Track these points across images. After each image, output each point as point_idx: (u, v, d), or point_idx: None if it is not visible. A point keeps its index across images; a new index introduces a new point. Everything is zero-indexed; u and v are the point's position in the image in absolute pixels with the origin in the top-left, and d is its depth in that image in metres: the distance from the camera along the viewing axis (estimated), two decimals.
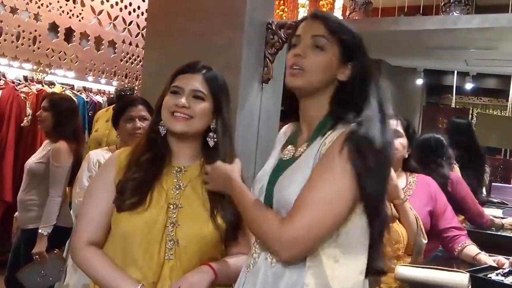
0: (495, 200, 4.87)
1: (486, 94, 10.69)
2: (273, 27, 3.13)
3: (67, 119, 3.19)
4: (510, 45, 5.31)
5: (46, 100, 3.26)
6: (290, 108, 1.41)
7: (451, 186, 2.91)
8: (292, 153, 1.35)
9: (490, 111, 10.74)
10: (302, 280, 1.20)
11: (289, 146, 1.37)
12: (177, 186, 1.49)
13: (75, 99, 4.93)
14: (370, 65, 1.32)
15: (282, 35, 3.10)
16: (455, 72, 9.11)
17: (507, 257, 2.27)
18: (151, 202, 1.44)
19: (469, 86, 9.33)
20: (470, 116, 9.57)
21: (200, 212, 1.46)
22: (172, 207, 1.45)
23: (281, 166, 1.34)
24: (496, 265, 2.11)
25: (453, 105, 9.64)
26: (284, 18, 5.23)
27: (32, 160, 3.21)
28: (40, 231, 3.01)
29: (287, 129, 1.47)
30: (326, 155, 1.21)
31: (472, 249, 2.28)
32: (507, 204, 4.81)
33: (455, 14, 4.35)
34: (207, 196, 1.48)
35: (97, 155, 2.49)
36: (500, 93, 10.24)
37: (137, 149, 1.52)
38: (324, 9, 5.73)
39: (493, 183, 5.57)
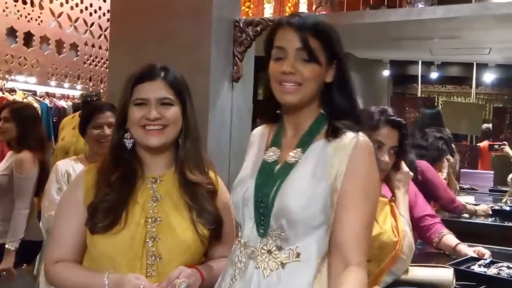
0: (466, 186, 4.96)
1: (450, 82, 10.95)
2: (241, 25, 3.07)
3: (31, 128, 3.05)
4: (472, 33, 5.42)
5: (6, 110, 3.11)
6: (268, 110, 1.36)
7: (421, 173, 2.92)
8: (277, 155, 1.30)
9: (455, 98, 10.99)
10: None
11: (273, 147, 1.33)
12: (154, 198, 1.42)
13: (37, 105, 4.82)
14: (344, 58, 1.29)
15: (250, 33, 3.05)
16: (420, 62, 9.27)
17: (486, 246, 2.29)
18: (127, 219, 1.37)
19: (434, 75, 9.53)
20: (436, 104, 9.74)
21: (181, 224, 1.40)
22: (150, 221, 1.39)
23: (267, 169, 1.29)
24: (477, 256, 2.11)
25: (419, 94, 9.80)
26: (250, 14, 5.17)
27: None
28: (7, 246, 2.88)
29: (263, 130, 1.42)
30: (354, 170, 1.21)
31: (450, 239, 2.28)
32: (477, 190, 4.90)
33: (419, 5, 4.39)
34: (185, 205, 1.42)
35: (66, 166, 2.39)
36: (463, 81, 10.50)
37: (103, 168, 1.44)
38: (289, 4, 5.71)
39: (461, 170, 5.66)
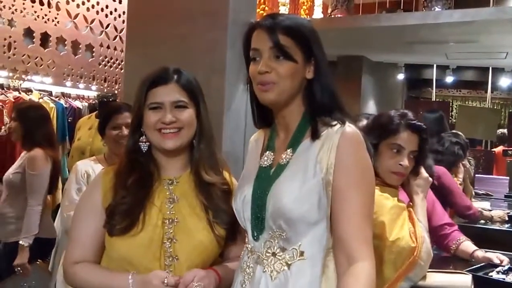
0: (481, 192, 4.89)
1: (465, 86, 10.85)
2: None
3: (36, 126, 3.09)
4: (489, 37, 5.38)
5: (14, 111, 3.21)
6: (260, 114, 1.37)
7: (437, 179, 2.89)
8: (271, 159, 1.31)
9: (470, 103, 10.90)
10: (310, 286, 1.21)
11: (267, 152, 1.34)
12: (170, 200, 1.42)
13: (53, 106, 4.87)
14: (324, 56, 1.29)
15: None
16: (435, 66, 9.21)
17: (502, 252, 2.25)
18: (145, 221, 1.37)
19: (449, 79, 9.45)
20: (450, 108, 9.66)
21: (198, 224, 1.41)
22: (167, 222, 1.39)
23: (263, 174, 1.30)
24: (498, 261, 2.08)
25: (433, 99, 9.73)
26: None
27: (10, 172, 3.11)
28: (20, 242, 2.90)
29: (258, 135, 1.43)
30: (343, 162, 1.20)
31: (468, 246, 2.26)
32: (492, 195, 4.84)
33: (436, 9, 4.38)
34: (201, 205, 1.43)
35: (85, 166, 2.40)
36: (479, 85, 10.41)
37: (120, 171, 1.44)
38: (304, 7, 5.72)
39: (476, 175, 5.61)
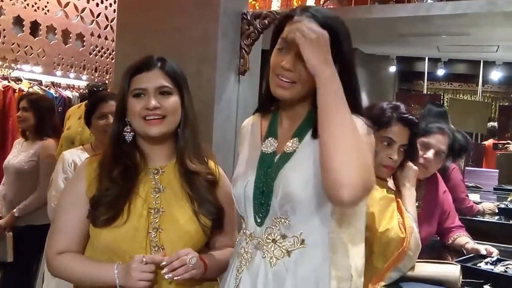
0: (470, 184, 4.92)
1: (457, 80, 10.90)
2: (248, 18, 3.05)
3: (47, 117, 3.24)
4: (481, 30, 5.40)
5: (25, 101, 3.30)
6: (265, 99, 1.37)
7: (448, 174, 2.91)
8: (275, 146, 1.31)
9: (461, 96, 10.94)
10: (313, 274, 1.22)
11: (270, 138, 1.33)
12: (156, 189, 1.42)
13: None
14: (351, 53, 1.27)
15: (258, 26, 3.03)
16: (426, 58, 9.24)
17: (491, 244, 2.28)
18: (129, 212, 1.36)
19: (440, 72, 9.49)
20: (441, 101, 9.70)
21: (183, 214, 1.41)
22: (153, 212, 1.38)
23: (267, 160, 1.30)
24: (485, 253, 2.10)
25: (425, 91, 9.76)
26: (257, 7, 5.16)
27: (21, 159, 3.19)
28: (14, 211, 3.05)
29: (253, 120, 1.42)
30: None
31: (462, 239, 2.30)
32: (481, 188, 4.88)
33: (428, 1, 4.38)
34: (186, 196, 1.43)
35: (72, 156, 2.39)
36: (470, 78, 10.45)
37: (105, 161, 1.42)
38: None
39: (466, 167, 5.63)
